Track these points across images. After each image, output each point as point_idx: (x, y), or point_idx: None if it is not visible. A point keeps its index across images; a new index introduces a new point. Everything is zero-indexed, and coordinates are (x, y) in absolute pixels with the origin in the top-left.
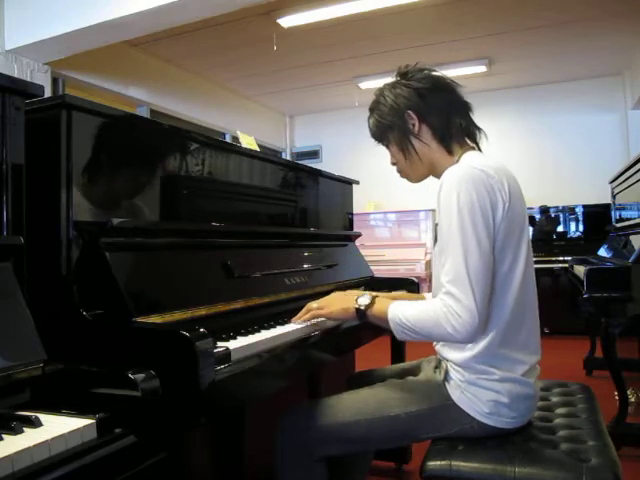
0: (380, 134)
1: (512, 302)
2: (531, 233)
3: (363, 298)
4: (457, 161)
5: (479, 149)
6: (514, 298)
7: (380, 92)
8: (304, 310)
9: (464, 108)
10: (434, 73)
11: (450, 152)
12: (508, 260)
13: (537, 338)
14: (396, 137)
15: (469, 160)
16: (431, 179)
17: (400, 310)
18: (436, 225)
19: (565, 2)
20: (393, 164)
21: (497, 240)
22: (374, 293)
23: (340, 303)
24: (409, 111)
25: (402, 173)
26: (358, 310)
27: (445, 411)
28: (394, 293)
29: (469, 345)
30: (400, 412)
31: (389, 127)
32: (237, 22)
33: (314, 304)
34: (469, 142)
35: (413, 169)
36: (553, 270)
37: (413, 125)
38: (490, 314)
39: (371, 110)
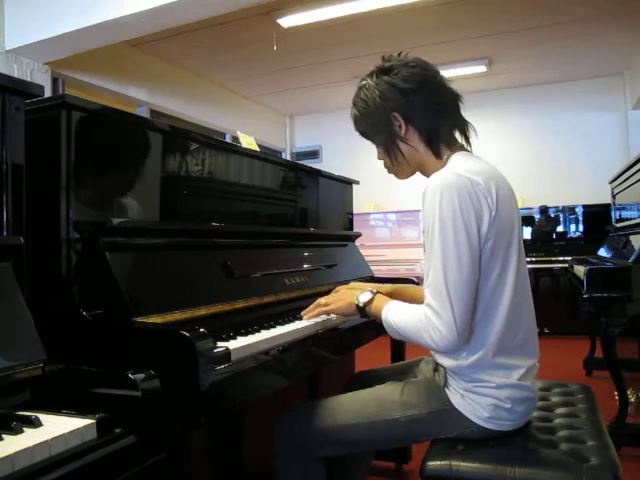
0: (365, 133)
1: (505, 312)
2: (531, 233)
3: (363, 295)
4: (445, 163)
5: (468, 143)
6: (507, 307)
7: (364, 89)
8: (313, 305)
9: (453, 102)
10: (420, 70)
11: (438, 155)
12: (497, 268)
13: (534, 341)
14: (382, 139)
15: (455, 165)
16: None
17: (392, 314)
18: (423, 231)
19: (565, 2)
20: (380, 159)
21: (485, 249)
22: (375, 289)
23: (345, 299)
24: (395, 113)
25: (389, 170)
26: (358, 306)
27: (445, 415)
28: (397, 285)
29: (463, 354)
30: (400, 416)
31: (375, 128)
32: (237, 22)
33: (323, 300)
34: (458, 139)
35: (400, 170)
36: (553, 270)
37: (399, 127)
38: (482, 327)
39: (354, 104)
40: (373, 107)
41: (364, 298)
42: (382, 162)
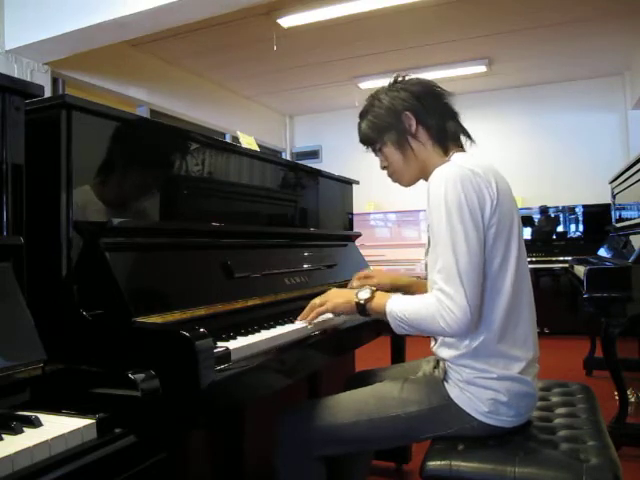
0: (374, 136)
1: (506, 298)
2: (531, 233)
3: (363, 292)
4: (448, 160)
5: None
6: (508, 294)
7: (374, 96)
8: (308, 309)
9: (455, 114)
10: (428, 80)
11: (444, 152)
12: (499, 257)
13: (534, 334)
14: (393, 138)
15: (457, 160)
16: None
17: (397, 305)
18: (428, 226)
19: (565, 2)
20: (383, 168)
21: (488, 235)
22: (374, 287)
23: (342, 297)
24: (407, 112)
25: (394, 176)
26: (358, 304)
27: (445, 410)
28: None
29: (465, 342)
30: (400, 412)
31: (386, 128)
32: (237, 22)
33: (317, 300)
34: (459, 145)
35: (407, 170)
36: (553, 270)
37: (410, 125)
38: (485, 312)
39: (363, 114)
40: (386, 109)
41: (364, 295)
42: (385, 171)
